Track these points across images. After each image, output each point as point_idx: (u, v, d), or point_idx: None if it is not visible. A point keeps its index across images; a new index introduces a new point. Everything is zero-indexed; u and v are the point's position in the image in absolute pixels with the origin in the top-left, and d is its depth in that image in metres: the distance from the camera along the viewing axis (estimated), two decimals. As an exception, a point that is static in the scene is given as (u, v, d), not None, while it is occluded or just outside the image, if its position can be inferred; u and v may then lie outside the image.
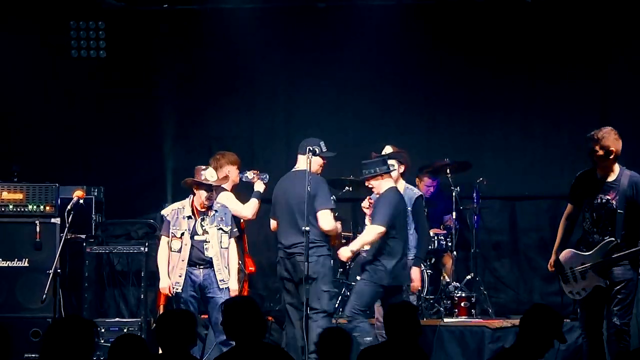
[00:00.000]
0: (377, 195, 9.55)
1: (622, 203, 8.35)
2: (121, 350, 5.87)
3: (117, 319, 11.08)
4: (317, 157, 9.58)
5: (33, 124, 12.53)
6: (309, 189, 9.28)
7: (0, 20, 12.18)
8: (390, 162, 9.58)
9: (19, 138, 12.53)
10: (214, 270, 9.47)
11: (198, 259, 9.46)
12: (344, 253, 9.52)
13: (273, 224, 9.82)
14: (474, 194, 11.71)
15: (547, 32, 12.28)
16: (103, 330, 10.73)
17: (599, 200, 8.46)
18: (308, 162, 9.38)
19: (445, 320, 10.87)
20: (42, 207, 10.74)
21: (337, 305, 10.12)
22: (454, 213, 11.51)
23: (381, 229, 9.35)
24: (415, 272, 9.70)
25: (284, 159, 12.50)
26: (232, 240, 9.65)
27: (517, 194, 12.56)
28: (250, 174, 10.32)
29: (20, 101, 12.50)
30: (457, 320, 11.01)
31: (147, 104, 12.77)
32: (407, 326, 6.61)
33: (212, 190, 9.52)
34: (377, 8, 12.34)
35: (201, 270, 9.46)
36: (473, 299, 11.24)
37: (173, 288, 9.44)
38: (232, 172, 10.28)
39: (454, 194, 11.50)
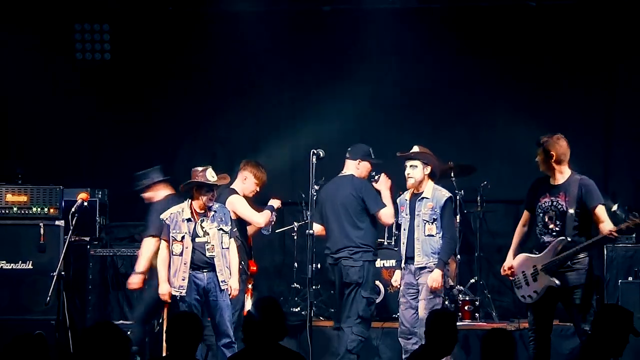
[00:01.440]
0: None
1: (572, 204, 8.50)
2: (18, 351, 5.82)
3: (121, 322, 11.07)
4: (366, 163, 9.89)
5: (37, 126, 12.54)
6: (313, 192, 9.34)
7: (5, 23, 12.19)
8: (412, 162, 9.55)
9: (24, 140, 12.55)
10: (216, 272, 9.46)
11: (200, 262, 9.44)
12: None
13: (317, 228, 9.87)
14: (478, 198, 11.71)
15: (552, 37, 12.28)
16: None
17: (549, 203, 8.64)
18: (312, 164, 9.40)
19: (449, 323, 10.85)
20: (46, 209, 10.75)
21: (373, 312, 10.04)
22: (457, 216, 11.51)
23: (151, 240, 9.66)
24: (435, 274, 9.36)
25: (289, 162, 12.54)
26: (232, 240, 9.64)
27: (521, 198, 12.47)
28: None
29: (25, 103, 12.52)
30: (461, 323, 11.00)
31: (152, 106, 12.78)
32: (447, 333, 6.65)
33: (214, 190, 9.51)
34: (382, 11, 12.35)
35: (204, 273, 9.44)
36: (477, 303, 11.25)
37: (176, 293, 9.42)
38: (249, 179, 10.30)
39: (457, 197, 11.49)
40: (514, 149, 12.52)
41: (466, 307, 11.19)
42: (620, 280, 10.73)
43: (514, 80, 12.49)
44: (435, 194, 9.57)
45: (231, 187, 10.39)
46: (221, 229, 9.52)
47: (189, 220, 9.49)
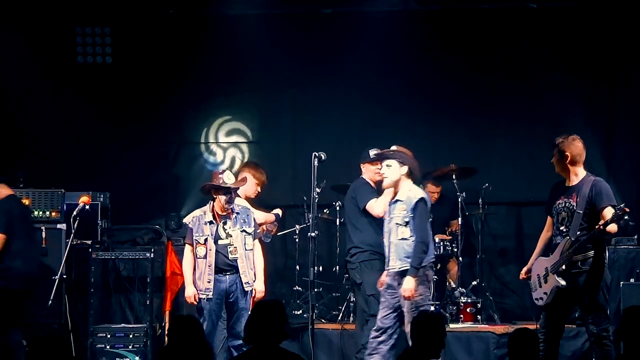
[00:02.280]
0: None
1: (582, 205, 8.48)
2: (42, 352, 5.85)
3: (122, 325, 11.07)
4: (366, 164, 9.93)
5: (39, 130, 12.54)
6: (315, 194, 9.36)
7: (5, 25, 12.19)
8: (387, 161, 9.24)
9: (25, 144, 12.54)
10: (239, 274, 9.43)
11: (224, 265, 9.41)
12: None
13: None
14: (480, 200, 11.72)
15: (553, 39, 12.28)
16: (109, 336, 10.74)
17: (563, 204, 8.63)
18: (314, 167, 9.43)
19: (451, 325, 10.86)
20: (47, 213, 10.76)
21: None
22: (459, 219, 11.51)
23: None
24: (406, 283, 8.98)
25: (291, 165, 12.55)
26: (257, 241, 9.61)
27: (523, 200, 12.53)
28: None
29: (26, 107, 12.51)
30: (462, 326, 11.00)
31: (153, 109, 12.78)
32: (434, 336, 6.64)
33: (231, 193, 9.49)
34: (383, 14, 12.35)
35: (228, 276, 9.41)
36: (479, 305, 11.23)
37: (202, 295, 9.38)
38: (250, 181, 10.32)
39: (459, 199, 11.49)
40: (515, 151, 12.54)
41: (468, 310, 11.17)
42: (622, 282, 10.72)
43: (515, 82, 12.48)
44: (408, 195, 9.20)
45: None
46: (244, 231, 9.49)
47: (211, 222, 9.46)
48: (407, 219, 9.13)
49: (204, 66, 12.75)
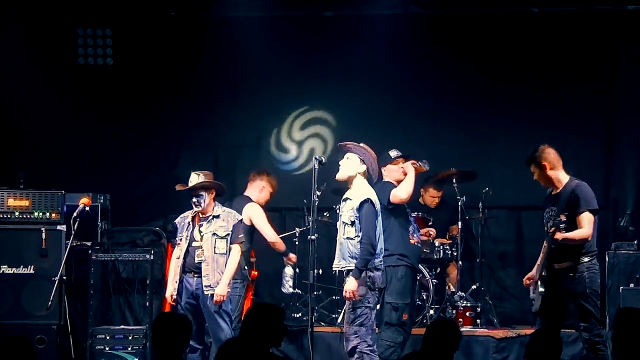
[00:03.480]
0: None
1: (562, 210, 8.59)
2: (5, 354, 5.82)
3: (122, 327, 11.07)
4: (387, 166, 9.88)
5: (39, 131, 12.54)
6: (315, 198, 9.36)
7: (6, 27, 12.19)
8: (348, 154, 9.23)
9: (25, 145, 12.54)
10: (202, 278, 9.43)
11: (191, 266, 9.45)
12: None
13: None
14: (480, 204, 11.71)
15: (554, 42, 12.28)
16: (108, 337, 10.73)
17: (550, 213, 8.74)
18: (314, 170, 9.41)
19: (451, 329, 10.84)
20: (47, 214, 10.75)
21: (400, 317, 9.84)
22: (459, 223, 11.51)
23: None
24: (348, 283, 8.93)
25: (291, 168, 12.55)
26: (236, 245, 9.55)
27: (523, 204, 12.53)
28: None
29: (27, 108, 12.51)
30: (462, 330, 10.94)
31: (154, 111, 12.78)
32: (447, 341, 6.62)
33: (199, 194, 9.48)
34: (384, 17, 12.35)
35: (195, 278, 9.43)
36: (478, 309, 11.24)
37: (174, 295, 9.45)
38: (266, 189, 10.67)
39: (459, 203, 11.49)
40: (516, 155, 12.49)
41: (467, 314, 11.17)
42: (621, 287, 10.73)
43: (515, 87, 12.48)
44: (356, 195, 9.13)
45: (246, 194, 10.55)
46: (215, 234, 9.47)
47: (189, 224, 9.51)
48: (352, 219, 9.06)
49: (204, 68, 12.75)
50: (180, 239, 9.53)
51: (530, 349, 6.43)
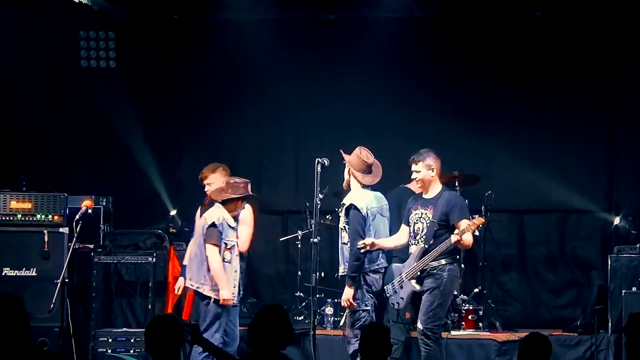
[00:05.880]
0: None
1: (437, 216, 9.03)
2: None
3: (124, 329, 11.07)
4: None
5: (42, 134, 12.56)
6: (318, 200, 9.37)
7: (9, 29, 12.20)
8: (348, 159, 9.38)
9: (28, 147, 12.55)
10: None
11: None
12: None
13: None
14: (482, 207, 11.70)
15: (557, 46, 12.27)
16: (110, 340, 10.74)
17: (419, 215, 9.14)
18: (317, 173, 9.43)
19: (453, 333, 10.84)
20: (50, 216, 10.76)
21: (406, 316, 9.79)
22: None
23: None
24: (344, 293, 9.20)
25: (293, 170, 12.54)
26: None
27: (526, 208, 12.52)
28: None
29: (30, 111, 12.52)
30: (464, 333, 10.99)
31: (156, 114, 12.79)
32: (379, 348, 6.60)
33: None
34: (387, 20, 12.35)
35: None
36: (480, 312, 11.22)
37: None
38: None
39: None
40: (518, 158, 12.51)
41: (470, 317, 11.15)
42: (624, 291, 10.71)
43: (518, 90, 12.46)
44: (346, 200, 9.32)
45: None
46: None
47: (234, 229, 9.65)
48: (344, 224, 9.29)
49: (207, 71, 12.75)
50: (228, 244, 9.46)
51: (522, 352, 6.46)
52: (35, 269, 10.64)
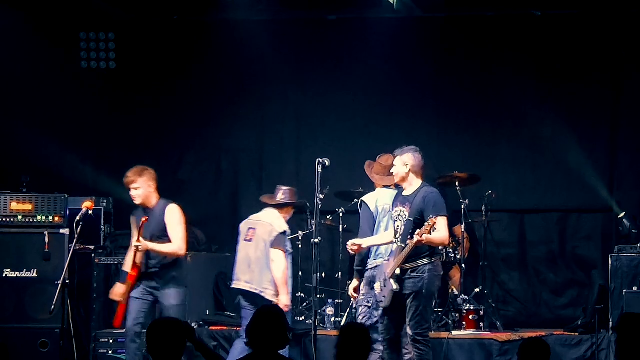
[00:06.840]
0: None
1: (413, 214, 8.92)
2: None
3: (124, 330, 11.05)
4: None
5: (42, 135, 12.54)
6: (318, 201, 9.39)
7: (10, 30, 12.20)
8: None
9: (28, 148, 12.54)
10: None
11: None
12: None
13: None
14: (483, 207, 11.70)
15: (557, 46, 12.27)
16: (111, 341, 10.74)
17: (398, 212, 9.10)
18: (317, 173, 9.47)
19: (454, 333, 10.85)
20: (51, 217, 10.76)
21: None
22: (462, 226, 11.49)
23: None
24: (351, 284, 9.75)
25: (294, 170, 12.54)
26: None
27: (526, 207, 12.53)
28: None
29: (30, 111, 12.52)
30: (465, 333, 10.98)
31: (157, 115, 12.79)
32: (358, 348, 6.59)
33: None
34: (387, 21, 12.34)
35: None
36: (481, 312, 11.21)
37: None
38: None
39: (462, 206, 11.47)
40: (518, 158, 12.52)
41: (470, 317, 11.14)
42: (625, 290, 10.71)
43: (518, 89, 12.44)
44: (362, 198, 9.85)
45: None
46: None
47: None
48: None
49: (207, 72, 12.76)
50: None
51: (521, 356, 6.47)
52: (36, 270, 10.64)
